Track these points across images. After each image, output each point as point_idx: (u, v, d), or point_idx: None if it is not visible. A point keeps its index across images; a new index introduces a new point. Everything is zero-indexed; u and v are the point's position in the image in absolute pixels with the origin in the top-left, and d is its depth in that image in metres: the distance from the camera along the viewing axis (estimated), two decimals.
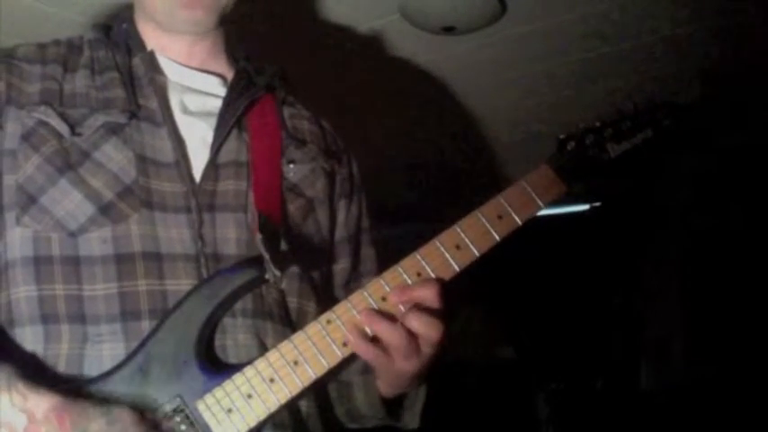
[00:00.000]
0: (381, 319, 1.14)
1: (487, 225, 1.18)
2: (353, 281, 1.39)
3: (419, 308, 1.15)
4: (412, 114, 3.37)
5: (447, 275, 1.18)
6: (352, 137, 1.54)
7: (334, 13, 2.46)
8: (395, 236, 1.92)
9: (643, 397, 4.22)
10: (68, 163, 1.18)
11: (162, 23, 1.31)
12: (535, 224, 1.20)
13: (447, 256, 1.17)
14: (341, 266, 1.39)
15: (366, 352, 1.15)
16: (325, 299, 1.31)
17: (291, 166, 1.32)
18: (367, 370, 1.28)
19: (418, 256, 1.17)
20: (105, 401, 1.08)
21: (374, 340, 1.15)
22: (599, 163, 1.20)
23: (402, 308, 1.16)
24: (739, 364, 3.92)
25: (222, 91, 1.33)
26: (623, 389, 4.30)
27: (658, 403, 4.14)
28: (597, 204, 4.45)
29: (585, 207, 4.47)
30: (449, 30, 2.50)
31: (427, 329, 1.14)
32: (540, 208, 1.18)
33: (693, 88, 3.01)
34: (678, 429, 4.00)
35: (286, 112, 1.39)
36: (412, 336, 1.14)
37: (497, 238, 1.18)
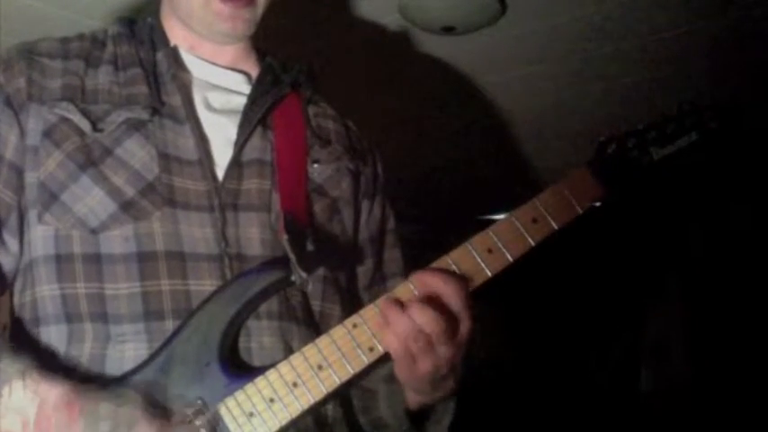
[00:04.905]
0: (397, 307, 1.09)
1: (521, 229, 1.14)
2: (377, 283, 1.36)
3: (430, 300, 1.08)
4: (410, 114, 3.35)
5: (478, 280, 1.14)
6: None
7: (333, 13, 2.44)
8: None
9: (643, 398, 4.22)
10: (90, 159, 1.15)
11: (199, 32, 1.29)
12: None
13: (479, 260, 1.13)
14: (364, 268, 1.36)
15: (392, 344, 1.09)
16: (350, 302, 1.29)
17: (316, 165, 1.29)
18: (392, 378, 1.23)
19: (449, 260, 1.14)
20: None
21: None
22: (641, 166, 1.16)
23: None
24: (739, 366, 3.93)
25: (247, 88, 1.30)
26: (623, 389, 4.31)
27: (658, 404, 4.15)
28: (597, 205, 4.43)
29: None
30: (449, 30, 2.48)
31: (431, 324, 1.07)
32: (577, 213, 1.14)
33: (694, 89, 2.99)
34: (678, 430, 4.02)
35: (311, 110, 1.36)
36: (424, 330, 1.08)
37: (532, 242, 1.14)
